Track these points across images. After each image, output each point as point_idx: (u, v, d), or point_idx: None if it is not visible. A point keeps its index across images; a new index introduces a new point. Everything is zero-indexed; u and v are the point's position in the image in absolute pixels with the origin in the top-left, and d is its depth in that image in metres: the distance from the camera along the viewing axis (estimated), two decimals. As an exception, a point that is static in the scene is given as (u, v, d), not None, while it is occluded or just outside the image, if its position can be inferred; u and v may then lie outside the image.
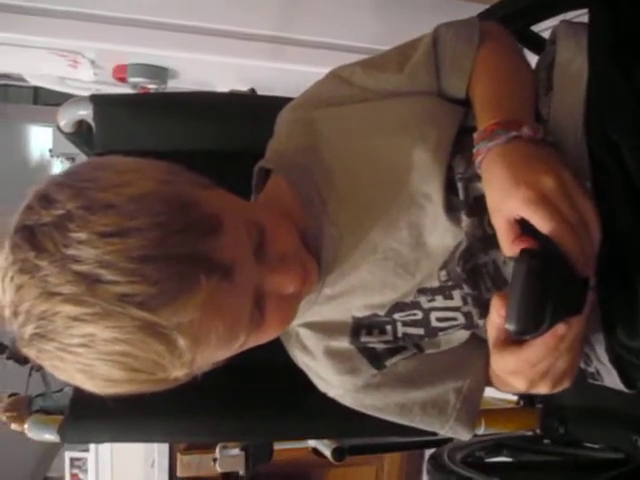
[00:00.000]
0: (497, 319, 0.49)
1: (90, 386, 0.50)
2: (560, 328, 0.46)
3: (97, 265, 0.44)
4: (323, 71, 0.71)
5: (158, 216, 0.46)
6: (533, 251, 0.46)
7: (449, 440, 0.95)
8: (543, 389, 0.51)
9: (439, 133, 0.60)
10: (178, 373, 0.49)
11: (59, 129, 0.81)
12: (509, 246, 0.49)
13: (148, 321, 0.45)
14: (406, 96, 0.65)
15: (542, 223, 0.46)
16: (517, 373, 0.50)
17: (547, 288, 0.45)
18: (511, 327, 0.46)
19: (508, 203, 0.48)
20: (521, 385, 0.51)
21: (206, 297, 0.46)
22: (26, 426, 0.73)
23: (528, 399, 0.84)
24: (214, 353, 0.52)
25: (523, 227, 0.48)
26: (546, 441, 0.94)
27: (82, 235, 0.45)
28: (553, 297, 0.45)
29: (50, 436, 0.71)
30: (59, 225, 0.45)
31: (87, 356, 0.47)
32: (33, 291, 0.45)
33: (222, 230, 0.49)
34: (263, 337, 0.58)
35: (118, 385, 0.50)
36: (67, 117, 0.79)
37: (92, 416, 0.71)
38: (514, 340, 0.49)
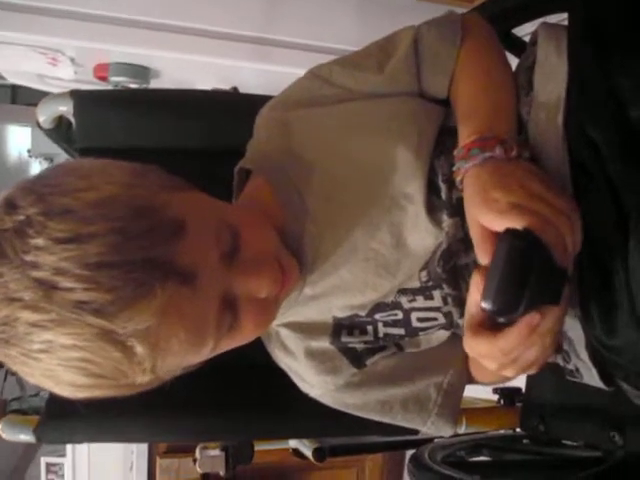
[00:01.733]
0: (476, 296, 0.49)
1: (58, 391, 0.50)
2: (534, 317, 0.46)
3: (54, 272, 0.44)
4: (303, 72, 0.70)
5: (116, 221, 0.45)
6: (517, 231, 0.46)
7: (430, 441, 0.95)
8: (510, 373, 0.52)
9: (420, 133, 0.60)
10: (141, 379, 0.49)
11: (38, 125, 0.80)
12: (483, 255, 0.49)
13: (104, 328, 0.44)
14: (387, 96, 0.65)
15: (516, 223, 0.47)
16: (489, 357, 0.50)
17: (528, 270, 0.45)
18: (487, 305, 0.46)
19: (481, 220, 0.49)
20: (491, 368, 0.51)
21: (162, 303, 0.45)
22: (0, 426, 0.71)
23: (508, 398, 0.84)
24: (180, 359, 0.51)
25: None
26: (525, 441, 0.95)
27: (40, 241, 0.44)
28: (532, 282, 0.45)
29: (25, 436, 0.70)
30: (19, 231, 0.45)
31: (48, 362, 0.46)
32: None
33: (184, 234, 0.48)
34: (239, 340, 0.57)
35: (84, 390, 0.49)
36: (47, 113, 0.78)
37: (69, 416, 0.69)
38: (489, 324, 0.48)
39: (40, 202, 0.46)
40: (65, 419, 0.69)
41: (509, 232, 0.47)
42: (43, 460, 2.50)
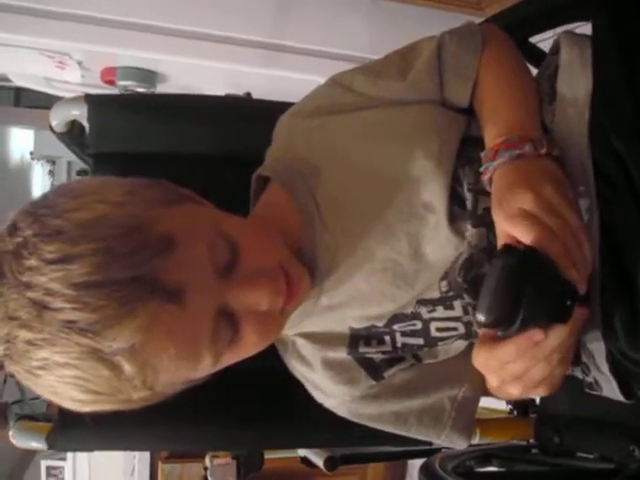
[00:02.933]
0: None
1: (66, 405, 0.51)
2: (536, 333, 0.45)
3: (44, 292, 0.45)
4: (315, 78, 0.70)
5: (102, 241, 0.46)
6: (513, 247, 0.46)
7: (438, 450, 0.94)
8: (513, 391, 0.51)
9: (442, 142, 0.60)
10: (137, 395, 0.49)
11: (51, 129, 0.79)
12: None
13: (91, 347, 0.45)
14: (408, 104, 0.64)
15: (522, 235, 0.47)
16: (488, 369, 0.50)
17: (522, 286, 0.44)
18: (479, 317, 0.46)
19: (497, 222, 0.50)
20: (493, 383, 0.51)
21: (145, 321, 0.46)
22: (11, 432, 0.71)
23: (522, 408, 0.83)
24: (174, 374, 0.51)
25: None
26: (534, 451, 0.94)
27: (32, 262, 0.46)
28: (529, 297, 0.44)
29: (37, 444, 0.69)
30: (16, 253, 0.47)
31: (48, 379, 0.48)
32: None
33: (173, 250, 0.48)
34: (243, 353, 0.56)
35: (87, 405, 0.50)
36: (60, 117, 0.77)
37: (81, 424, 0.68)
38: (492, 337, 0.48)
39: (35, 223, 0.48)
40: (78, 427, 0.69)
41: (505, 247, 0.47)
42: (43, 463, 2.49)
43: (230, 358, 0.55)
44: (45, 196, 0.52)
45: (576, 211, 0.49)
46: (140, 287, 0.46)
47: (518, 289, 0.44)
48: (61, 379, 0.47)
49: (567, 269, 0.45)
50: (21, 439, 0.70)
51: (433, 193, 0.58)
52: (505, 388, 0.51)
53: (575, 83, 0.56)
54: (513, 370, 0.48)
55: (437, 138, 0.60)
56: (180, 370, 0.51)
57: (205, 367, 0.53)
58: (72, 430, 0.69)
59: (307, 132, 0.66)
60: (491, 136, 0.56)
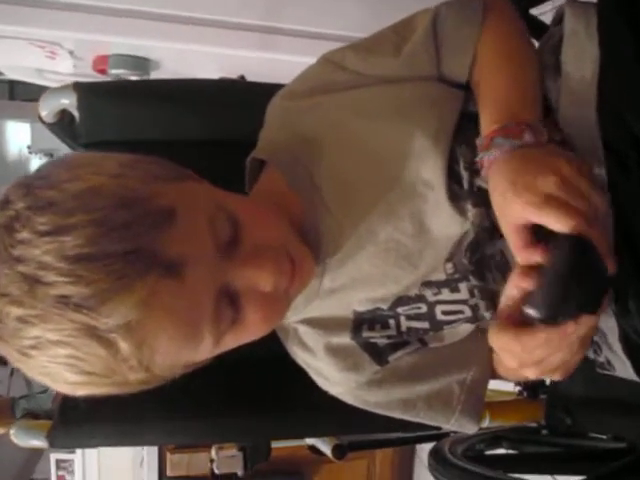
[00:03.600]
0: (512, 291, 0.47)
1: (57, 388, 0.49)
2: (570, 326, 0.44)
3: (37, 266, 0.43)
4: (309, 60, 0.68)
5: (97, 212, 0.44)
6: (573, 238, 0.44)
7: (447, 434, 0.93)
8: (529, 374, 0.50)
9: (440, 119, 0.58)
10: (134, 376, 0.47)
11: (40, 119, 0.77)
12: (521, 254, 0.47)
13: (86, 324, 0.43)
14: (404, 81, 0.62)
15: (556, 223, 0.45)
16: (509, 352, 0.49)
17: (580, 280, 0.43)
18: (534, 313, 0.44)
19: (512, 210, 0.47)
20: (511, 364, 0.50)
21: (143, 296, 0.44)
22: (12, 432, 0.69)
23: (531, 390, 0.82)
24: (174, 355, 0.48)
25: (536, 232, 0.47)
26: (544, 432, 0.93)
27: (24, 235, 0.44)
28: (580, 291, 0.43)
29: (38, 442, 0.68)
30: (8, 226, 0.45)
31: (40, 359, 0.46)
32: None
33: (173, 224, 0.46)
34: (246, 336, 0.54)
35: (80, 388, 0.48)
36: (49, 107, 0.75)
37: (82, 420, 0.68)
38: (518, 320, 0.47)
39: (28, 196, 0.46)
40: (78, 424, 0.68)
41: (566, 239, 0.44)
42: (53, 457, 2.51)
43: (232, 340, 0.52)
44: (39, 169, 0.50)
45: (597, 187, 0.47)
46: (137, 260, 0.44)
47: (577, 284, 0.43)
48: (54, 359, 0.45)
49: (606, 255, 0.44)
50: (22, 438, 0.69)
51: (431, 171, 0.57)
52: (522, 371, 0.50)
53: (581, 56, 0.54)
54: (535, 355, 0.47)
55: (435, 115, 0.58)
56: (179, 351, 0.48)
57: (206, 349, 0.50)
58: (72, 427, 0.68)
59: (301, 113, 0.64)
60: (488, 121, 0.54)
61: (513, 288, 0.47)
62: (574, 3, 0.58)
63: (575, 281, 0.43)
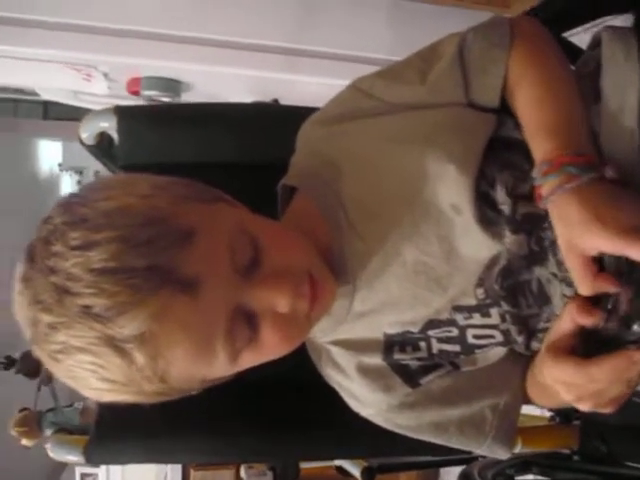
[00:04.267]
0: (568, 325, 0.47)
1: (84, 393, 0.52)
2: (637, 354, 0.44)
3: (66, 277, 0.46)
4: (338, 82, 0.68)
5: (123, 229, 0.47)
6: None
7: (475, 458, 0.92)
8: (584, 407, 0.49)
9: (465, 144, 0.58)
10: (149, 387, 0.49)
11: (81, 142, 0.79)
12: (588, 285, 0.48)
13: (104, 333, 0.46)
14: (430, 107, 0.62)
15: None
16: (570, 386, 0.48)
17: None
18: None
19: (590, 240, 0.47)
20: (567, 398, 0.49)
21: (156, 310, 0.46)
22: (48, 445, 0.71)
23: (564, 416, 0.81)
24: (189, 369, 0.50)
25: (600, 265, 0.47)
26: (576, 458, 0.91)
27: (58, 248, 0.47)
28: None
29: (73, 457, 0.69)
30: (46, 239, 0.48)
31: (67, 363, 0.49)
32: (26, 299, 0.49)
33: (192, 243, 0.48)
34: (265, 355, 0.54)
35: (103, 394, 0.50)
36: (90, 129, 0.77)
37: (118, 437, 0.69)
38: (575, 351, 0.46)
39: (66, 213, 0.49)
40: (114, 440, 0.69)
41: None
42: (78, 470, 2.52)
43: (251, 359, 0.53)
44: (81, 188, 0.54)
45: None
46: (154, 276, 0.46)
47: None
48: (79, 364, 0.48)
49: None
50: (58, 452, 0.70)
51: (458, 194, 0.56)
52: (577, 404, 0.49)
53: (622, 83, 0.53)
54: (596, 388, 0.47)
55: (460, 141, 0.58)
56: (193, 365, 0.50)
57: (221, 365, 0.51)
58: (108, 443, 0.69)
59: (329, 139, 0.65)
60: (546, 148, 0.53)
61: (569, 321, 0.47)
62: (612, 28, 0.58)
63: None
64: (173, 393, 0.52)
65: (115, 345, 0.46)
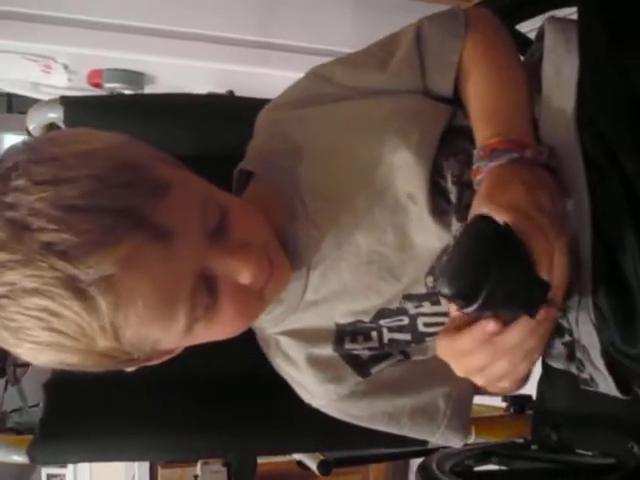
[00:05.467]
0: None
1: (21, 350, 0.48)
2: (489, 323, 0.43)
3: (28, 212, 0.43)
4: (299, 75, 0.69)
5: (97, 169, 0.45)
6: (490, 219, 0.43)
7: (436, 449, 0.93)
8: (479, 382, 0.50)
9: (422, 132, 0.58)
10: (103, 342, 0.46)
11: (28, 133, 0.77)
12: None
13: (67, 273, 0.43)
14: (389, 94, 0.63)
15: (507, 219, 0.44)
16: (450, 359, 0.49)
17: (491, 260, 0.40)
18: (442, 289, 0.42)
19: (479, 211, 0.47)
20: (458, 372, 0.50)
21: (128, 253, 0.44)
22: (-6, 446, 0.69)
23: (518, 405, 0.82)
24: (146, 327, 0.47)
25: None
26: (534, 447, 0.92)
27: (20, 182, 0.44)
28: (497, 276, 0.40)
29: (19, 457, 0.67)
30: (4, 175, 0.46)
31: (10, 309, 0.45)
32: None
33: (168, 196, 0.47)
34: (217, 329, 0.53)
35: (46, 351, 0.47)
36: (37, 120, 0.75)
37: (63, 435, 0.67)
38: (456, 328, 0.46)
39: (29, 150, 0.47)
40: (59, 439, 0.67)
41: (482, 217, 0.43)
42: (44, 471, 2.48)
43: (203, 332, 0.52)
44: (39, 136, 0.54)
45: (565, 228, 0.47)
46: (128, 219, 0.44)
47: (486, 262, 0.40)
48: (25, 310, 0.44)
49: (545, 269, 0.43)
50: (3, 454, 0.68)
51: (414, 184, 0.57)
52: (472, 378, 0.49)
53: (560, 70, 0.54)
54: (474, 362, 0.47)
55: (417, 127, 0.58)
56: (151, 324, 0.47)
57: (177, 332, 0.50)
58: (53, 442, 0.67)
59: (288, 124, 0.65)
60: (486, 134, 0.54)
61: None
62: (554, 19, 0.59)
63: (483, 259, 0.40)
64: (119, 358, 0.49)
65: (77, 287, 0.43)
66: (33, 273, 0.43)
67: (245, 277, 0.51)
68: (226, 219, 0.52)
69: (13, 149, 0.49)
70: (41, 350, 0.47)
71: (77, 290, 0.43)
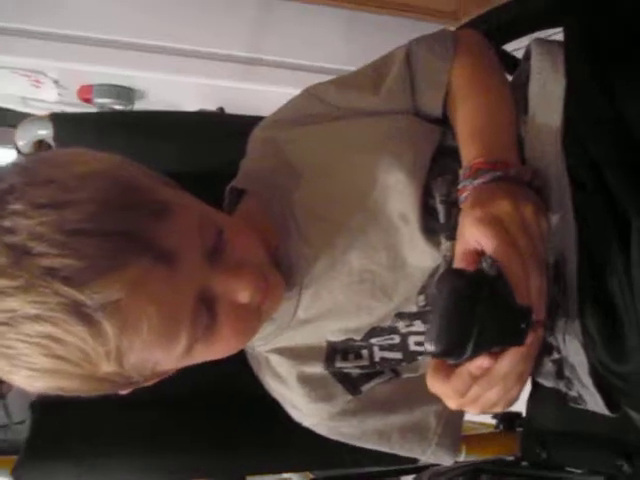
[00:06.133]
0: None
1: (16, 377, 0.46)
2: (484, 361, 0.44)
3: (28, 237, 0.42)
4: (292, 92, 0.69)
5: (98, 192, 0.44)
6: (460, 271, 0.44)
7: (426, 467, 0.92)
8: (473, 412, 0.50)
9: (415, 152, 0.59)
10: (106, 367, 0.45)
11: (17, 150, 0.77)
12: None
13: (72, 299, 0.42)
14: (382, 115, 0.63)
15: (486, 241, 0.45)
16: (445, 397, 0.49)
17: (471, 312, 0.42)
18: (430, 348, 0.43)
19: (463, 225, 0.48)
20: (451, 406, 0.49)
21: (135, 277, 0.43)
22: (-23, 467, 0.67)
23: (508, 422, 0.82)
24: (149, 350, 0.47)
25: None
26: (524, 464, 0.92)
27: (18, 206, 0.43)
28: (480, 324, 0.42)
29: (3, 479, 0.66)
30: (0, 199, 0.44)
31: (8, 336, 0.43)
32: None
33: (169, 218, 0.47)
34: (215, 348, 0.53)
35: (43, 377, 0.46)
36: (26, 137, 0.75)
37: (50, 456, 0.66)
38: (446, 367, 0.46)
39: (25, 172, 0.46)
40: (44, 460, 0.65)
41: (451, 272, 0.44)
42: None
43: (202, 351, 0.52)
44: (37, 153, 0.51)
45: (544, 245, 0.47)
46: (133, 242, 0.44)
47: (467, 316, 0.42)
48: (25, 337, 0.43)
49: (523, 293, 0.43)
50: (-16, 475, 0.67)
51: (406, 204, 0.57)
52: (465, 409, 0.50)
53: (547, 92, 0.55)
54: (469, 396, 0.47)
55: (410, 148, 0.59)
56: (154, 347, 0.47)
57: (177, 353, 0.49)
58: (38, 463, 0.66)
59: (282, 144, 0.65)
60: (471, 154, 0.54)
61: None
62: (541, 41, 0.60)
63: (463, 314, 0.42)
64: (118, 382, 0.49)
65: (82, 312, 0.42)
66: (35, 299, 0.42)
67: (244, 296, 0.52)
68: (222, 238, 0.52)
69: (5, 170, 0.47)
70: (39, 377, 0.46)
71: (82, 315, 0.42)
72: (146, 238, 0.45)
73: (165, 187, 0.52)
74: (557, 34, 0.65)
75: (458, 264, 0.48)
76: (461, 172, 0.54)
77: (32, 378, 0.46)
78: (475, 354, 0.43)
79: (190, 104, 1.63)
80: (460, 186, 0.53)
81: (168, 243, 0.46)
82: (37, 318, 0.42)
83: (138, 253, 0.44)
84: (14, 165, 0.48)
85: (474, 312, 0.42)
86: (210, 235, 0.51)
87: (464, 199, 0.52)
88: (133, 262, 0.43)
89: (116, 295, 0.43)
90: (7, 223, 0.43)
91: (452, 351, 0.43)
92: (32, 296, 0.42)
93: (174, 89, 1.60)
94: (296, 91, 0.69)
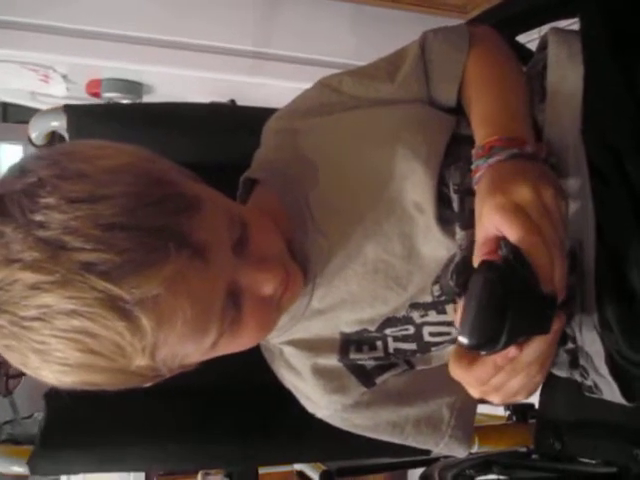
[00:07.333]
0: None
1: (45, 372, 0.46)
2: (511, 351, 0.44)
3: (63, 231, 0.42)
4: (301, 86, 0.69)
5: (131, 186, 0.44)
6: (492, 263, 0.44)
7: (437, 459, 0.92)
8: (495, 401, 0.50)
9: (430, 142, 0.59)
10: (140, 361, 0.45)
11: (30, 141, 0.77)
12: (477, 260, 0.47)
13: (109, 293, 0.42)
14: (396, 104, 0.63)
15: (510, 230, 0.44)
16: (467, 384, 0.49)
17: (505, 304, 0.42)
18: (464, 341, 0.43)
19: (483, 212, 0.47)
20: (473, 394, 0.50)
21: (173, 272, 0.43)
22: (-6, 457, 0.68)
23: (520, 414, 0.82)
24: (181, 344, 0.47)
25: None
26: (534, 456, 0.92)
27: (51, 200, 0.42)
28: (512, 315, 0.42)
29: (19, 468, 0.66)
30: (29, 192, 0.43)
31: (42, 332, 0.43)
32: None
33: (200, 211, 0.47)
34: (238, 341, 0.53)
35: (74, 372, 0.46)
36: (39, 128, 0.76)
37: (64, 446, 0.66)
38: (469, 355, 0.46)
39: (54, 165, 0.45)
40: (59, 450, 0.66)
41: (484, 264, 0.44)
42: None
43: (226, 344, 0.52)
44: (58, 146, 0.50)
45: (565, 229, 0.47)
46: (169, 237, 0.44)
47: (502, 308, 0.42)
48: (60, 332, 0.43)
49: (548, 278, 0.43)
50: (3, 465, 0.67)
51: (422, 193, 0.57)
52: (487, 398, 0.49)
53: (564, 79, 0.55)
54: (492, 384, 0.47)
55: (425, 138, 0.59)
56: (186, 342, 0.47)
57: (205, 346, 0.50)
58: (53, 453, 0.66)
59: (296, 134, 0.65)
60: (484, 135, 0.54)
61: (456, 318, 0.47)
62: (557, 30, 0.60)
63: (497, 307, 0.42)
64: (147, 375, 0.49)
65: (120, 307, 0.42)
66: (72, 294, 0.42)
67: (268, 289, 0.52)
68: (246, 231, 0.52)
69: (31, 162, 0.47)
70: (70, 372, 0.46)
71: (120, 310, 0.42)
72: (181, 233, 0.45)
73: (192, 181, 0.52)
74: (570, 26, 0.64)
75: (479, 252, 0.47)
76: (474, 152, 0.53)
77: (63, 373, 0.46)
78: (506, 345, 0.43)
79: (197, 98, 1.63)
80: (473, 166, 0.52)
81: (201, 238, 0.46)
82: (73, 313, 0.42)
83: (176, 248, 0.44)
84: (38, 158, 0.47)
85: (507, 305, 0.42)
86: (236, 229, 0.51)
87: (477, 179, 0.51)
88: (171, 257, 0.43)
89: (155, 290, 0.43)
90: (39, 217, 0.42)
91: (486, 344, 0.44)
92: (69, 291, 0.42)
93: (182, 83, 1.60)
94: (304, 85, 0.69)
